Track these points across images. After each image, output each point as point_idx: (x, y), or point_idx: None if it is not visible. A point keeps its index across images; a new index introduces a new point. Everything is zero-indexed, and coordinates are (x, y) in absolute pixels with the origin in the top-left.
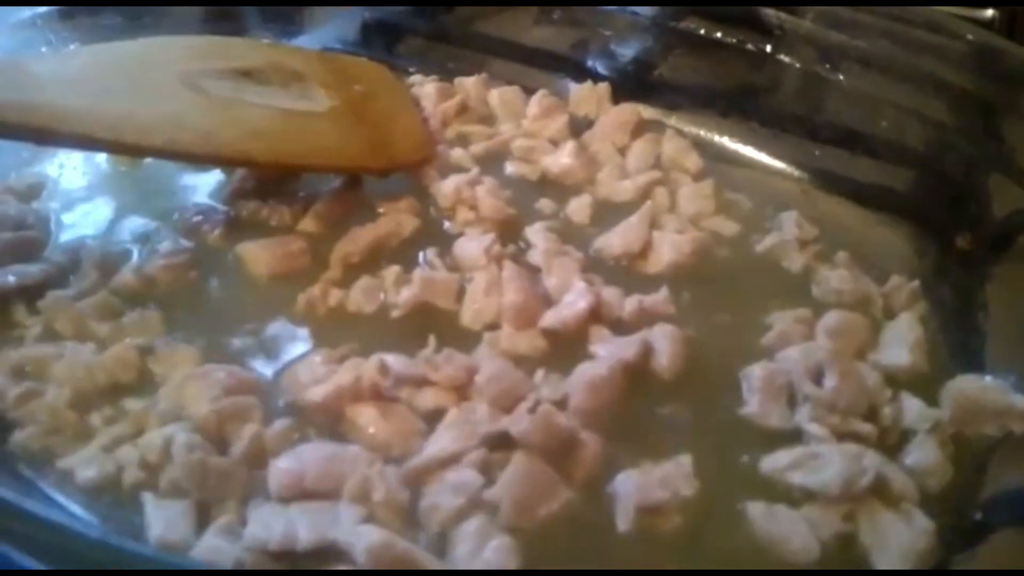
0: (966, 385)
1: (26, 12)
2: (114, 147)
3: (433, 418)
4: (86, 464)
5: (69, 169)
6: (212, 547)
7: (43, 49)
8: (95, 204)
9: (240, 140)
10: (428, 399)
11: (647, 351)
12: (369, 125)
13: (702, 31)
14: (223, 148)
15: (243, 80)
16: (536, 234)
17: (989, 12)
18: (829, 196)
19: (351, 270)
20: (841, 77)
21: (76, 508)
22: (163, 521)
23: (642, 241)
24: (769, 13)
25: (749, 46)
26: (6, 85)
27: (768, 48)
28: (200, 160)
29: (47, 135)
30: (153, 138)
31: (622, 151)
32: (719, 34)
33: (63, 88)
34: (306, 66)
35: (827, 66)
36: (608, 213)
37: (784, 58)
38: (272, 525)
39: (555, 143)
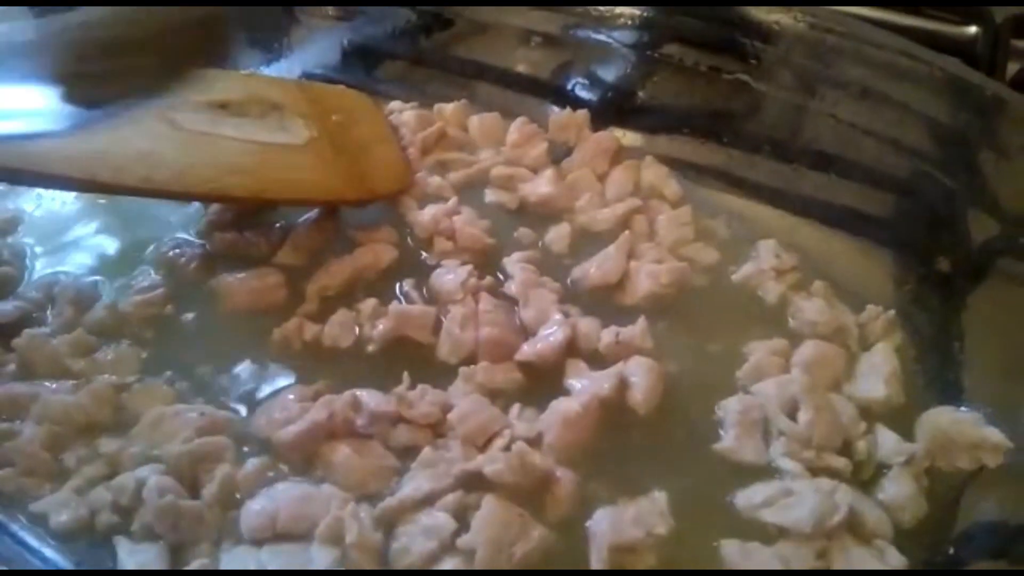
0: (940, 418)
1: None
2: (88, 187)
3: (407, 455)
4: (60, 507)
5: (47, 201)
6: None
7: None
8: (71, 238)
9: (217, 176)
10: (402, 436)
11: (623, 386)
12: (347, 156)
13: (681, 58)
14: (199, 185)
15: (220, 113)
16: (513, 265)
17: (972, 29)
18: (807, 222)
19: (328, 303)
20: (818, 105)
21: (49, 552)
22: (136, 565)
23: (619, 272)
24: (746, 41)
25: (726, 75)
26: None
27: (745, 76)
28: (176, 197)
29: (19, 176)
30: (128, 177)
31: (601, 178)
32: (697, 61)
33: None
34: (284, 96)
35: (804, 94)
36: (587, 242)
37: (761, 85)
38: (244, 568)
39: (534, 170)
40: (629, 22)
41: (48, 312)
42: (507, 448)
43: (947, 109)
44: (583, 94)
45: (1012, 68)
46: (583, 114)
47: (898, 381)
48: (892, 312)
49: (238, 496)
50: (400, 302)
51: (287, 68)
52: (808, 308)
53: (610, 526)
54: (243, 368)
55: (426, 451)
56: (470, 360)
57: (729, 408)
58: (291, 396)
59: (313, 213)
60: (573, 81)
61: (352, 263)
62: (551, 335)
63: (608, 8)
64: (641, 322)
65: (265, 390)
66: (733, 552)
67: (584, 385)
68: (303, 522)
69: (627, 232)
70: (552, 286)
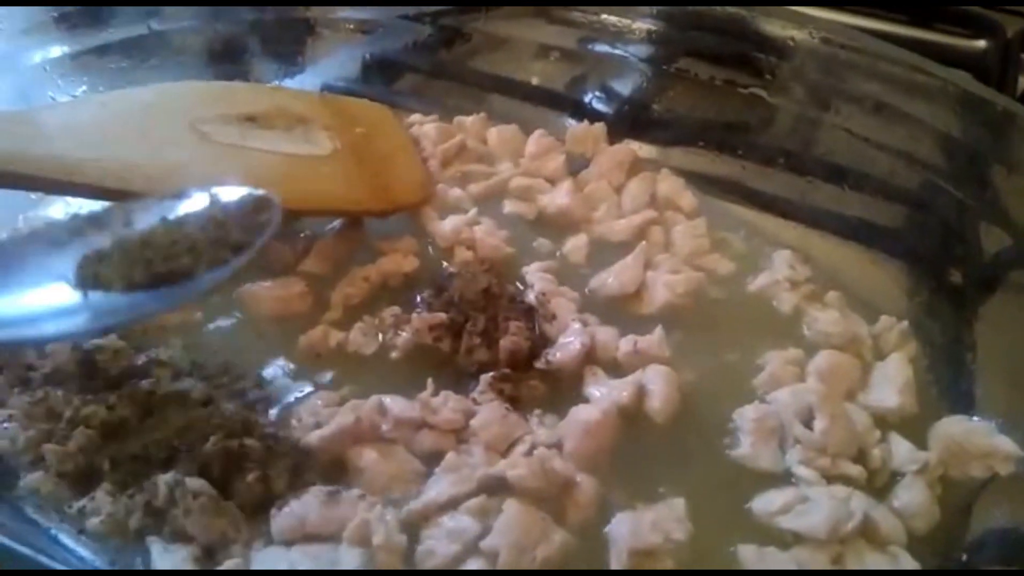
0: (952, 427)
1: (35, 58)
2: (122, 197)
3: (431, 460)
4: (94, 509)
5: (75, 209)
6: None
7: (50, 94)
8: None
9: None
10: (426, 441)
11: (641, 393)
12: (370, 167)
13: (696, 72)
14: None
15: (248, 125)
16: (532, 275)
17: (983, 43)
18: (821, 233)
19: (352, 311)
20: (831, 118)
21: (84, 552)
22: (169, 565)
23: (637, 282)
24: (761, 56)
25: (741, 89)
26: (16, 136)
27: (760, 90)
28: None
29: (57, 186)
30: (160, 187)
31: (618, 190)
32: (712, 75)
33: (72, 139)
34: (309, 109)
35: (818, 107)
36: (604, 252)
37: (776, 99)
38: (277, 567)
39: (552, 182)
40: (645, 36)
41: None
42: (529, 454)
43: (958, 123)
44: (600, 107)
45: (1022, 82)
46: (600, 127)
47: (911, 391)
48: (905, 323)
49: (269, 499)
50: (421, 310)
51: (308, 81)
52: (823, 319)
53: (629, 531)
54: (270, 374)
55: (450, 456)
56: (492, 367)
57: (745, 416)
58: (318, 401)
59: (337, 223)
60: (590, 94)
61: (375, 271)
62: (570, 344)
63: (624, 23)
64: (658, 331)
65: (292, 395)
66: (750, 557)
67: (603, 393)
68: (331, 524)
69: (643, 243)
70: (570, 295)
